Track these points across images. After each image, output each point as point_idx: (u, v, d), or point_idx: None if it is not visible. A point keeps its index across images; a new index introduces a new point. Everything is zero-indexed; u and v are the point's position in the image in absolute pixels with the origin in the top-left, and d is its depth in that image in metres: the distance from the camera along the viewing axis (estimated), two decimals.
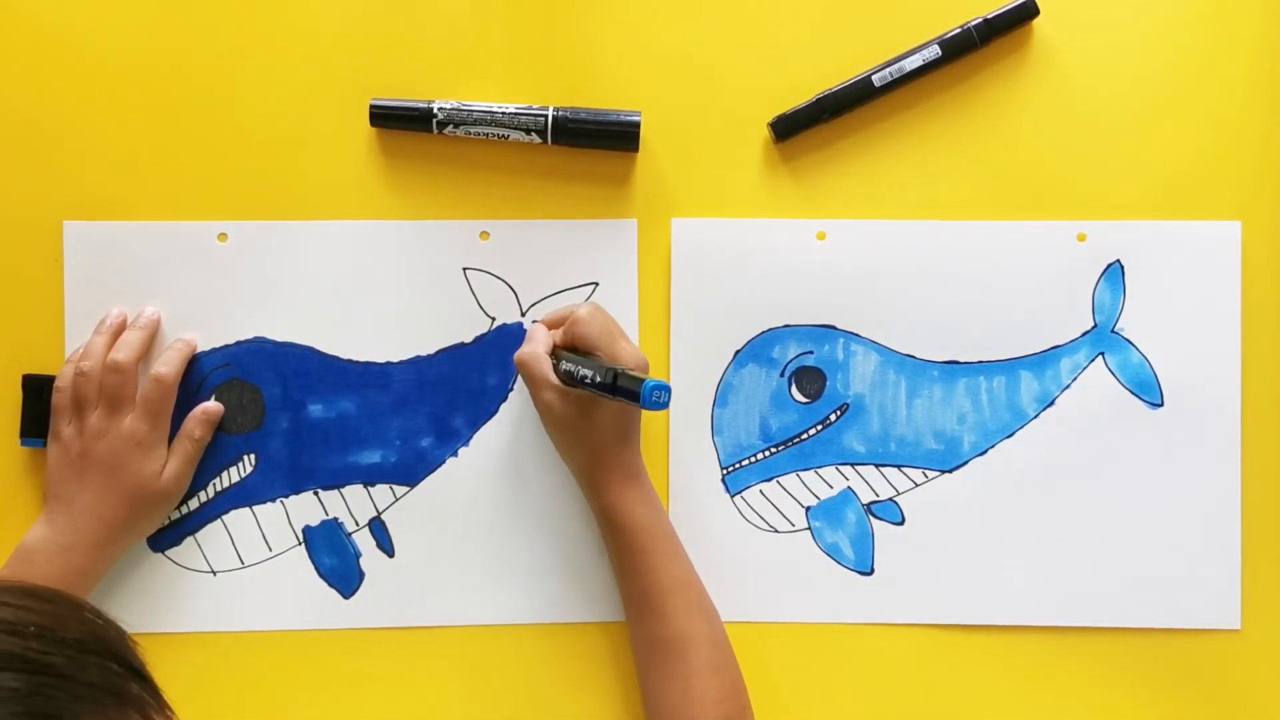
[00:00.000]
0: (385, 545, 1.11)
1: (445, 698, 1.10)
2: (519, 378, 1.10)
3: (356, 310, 1.11)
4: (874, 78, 1.10)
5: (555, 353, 1.04)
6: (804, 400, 1.11)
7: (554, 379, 1.02)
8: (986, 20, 1.10)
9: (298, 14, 1.11)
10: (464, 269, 1.11)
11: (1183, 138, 1.11)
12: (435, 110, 1.09)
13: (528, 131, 1.09)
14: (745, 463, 1.11)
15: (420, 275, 1.11)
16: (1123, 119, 1.11)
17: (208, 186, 1.11)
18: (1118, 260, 1.11)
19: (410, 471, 1.11)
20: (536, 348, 1.04)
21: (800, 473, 1.11)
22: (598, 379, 0.98)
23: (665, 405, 0.94)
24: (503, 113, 1.09)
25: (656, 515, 1.05)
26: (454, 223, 1.11)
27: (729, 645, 1.05)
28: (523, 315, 1.11)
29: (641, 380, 0.95)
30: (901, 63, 1.10)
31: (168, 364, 1.08)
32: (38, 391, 1.09)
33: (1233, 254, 1.11)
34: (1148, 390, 1.11)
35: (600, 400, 1.00)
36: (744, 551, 1.11)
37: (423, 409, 1.11)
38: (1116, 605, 1.10)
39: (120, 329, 1.09)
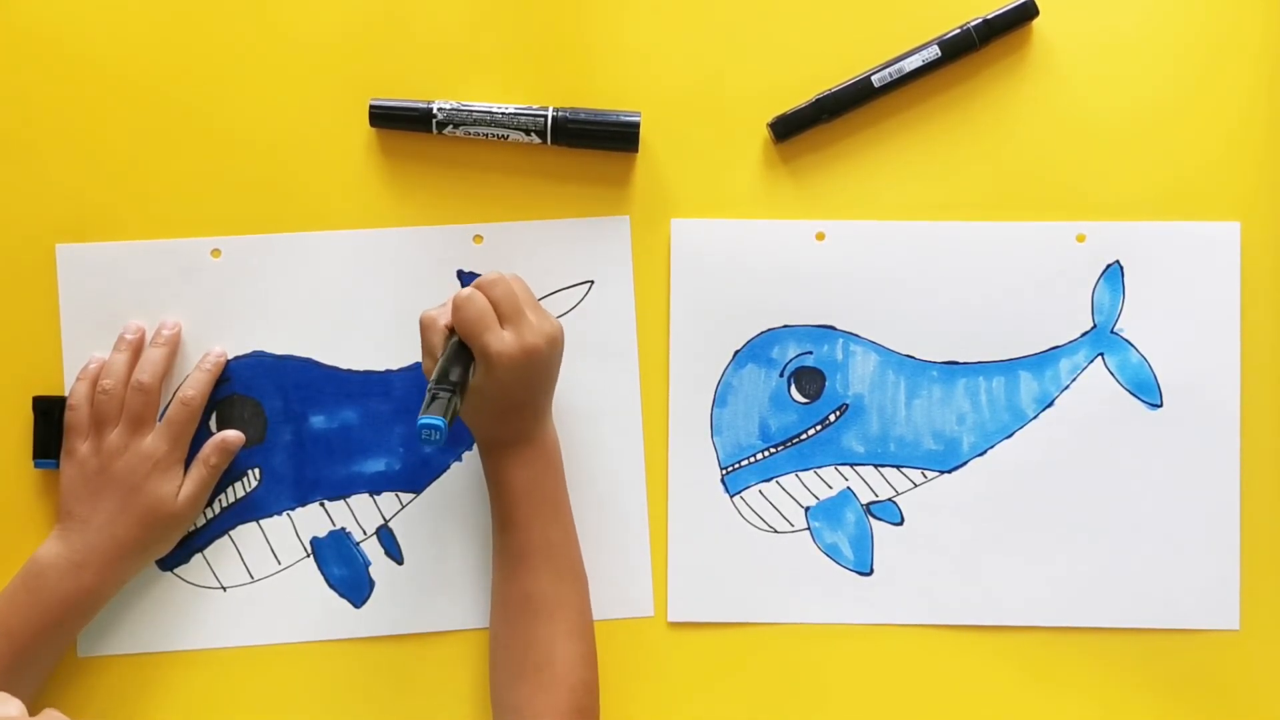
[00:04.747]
0: (394, 553, 1.11)
1: (461, 702, 1.10)
2: None
3: (354, 319, 1.11)
4: (873, 78, 1.10)
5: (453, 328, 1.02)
6: (803, 400, 1.11)
7: (435, 353, 1.00)
8: (986, 21, 1.10)
9: (296, 15, 1.11)
10: (459, 273, 1.11)
11: (1182, 138, 1.11)
12: (435, 110, 1.09)
13: (527, 132, 1.09)
14: (745, 463, 1.11)
15: (416, 281, 1.11)
16: (1122, 120, 1.11)
17: (203, 197, 1.11)
18: (1117, 261, 1.11)
19: (415, 478, 1.11)
20: (439, 318, 1.02)
21: (799, 473, 1.11)
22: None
23: (435, 444, 0.92)
24: (502, 113, 1.09)
25: (537, 479, 1.04)
26: (447, 228, 1.11)
27: (591, 616, 1.05)
28: None
29: (420, 415, 0.93)
30: (901, 63, 1.10)
31: (194, 386, 1.09)
32: (47, 413, 1.09)
33: (1232, 255, 1.11)
34: (1147, 391, 1.11)
35: (473, 380, 1.00)
36: (743, 552, 1.11)
37: None
38: (1115, 605, 1.10)
39: (139, 344, 1.10)
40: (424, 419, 0.92)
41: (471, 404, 1.01)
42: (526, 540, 1.03)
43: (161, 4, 1.11)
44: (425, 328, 1.02)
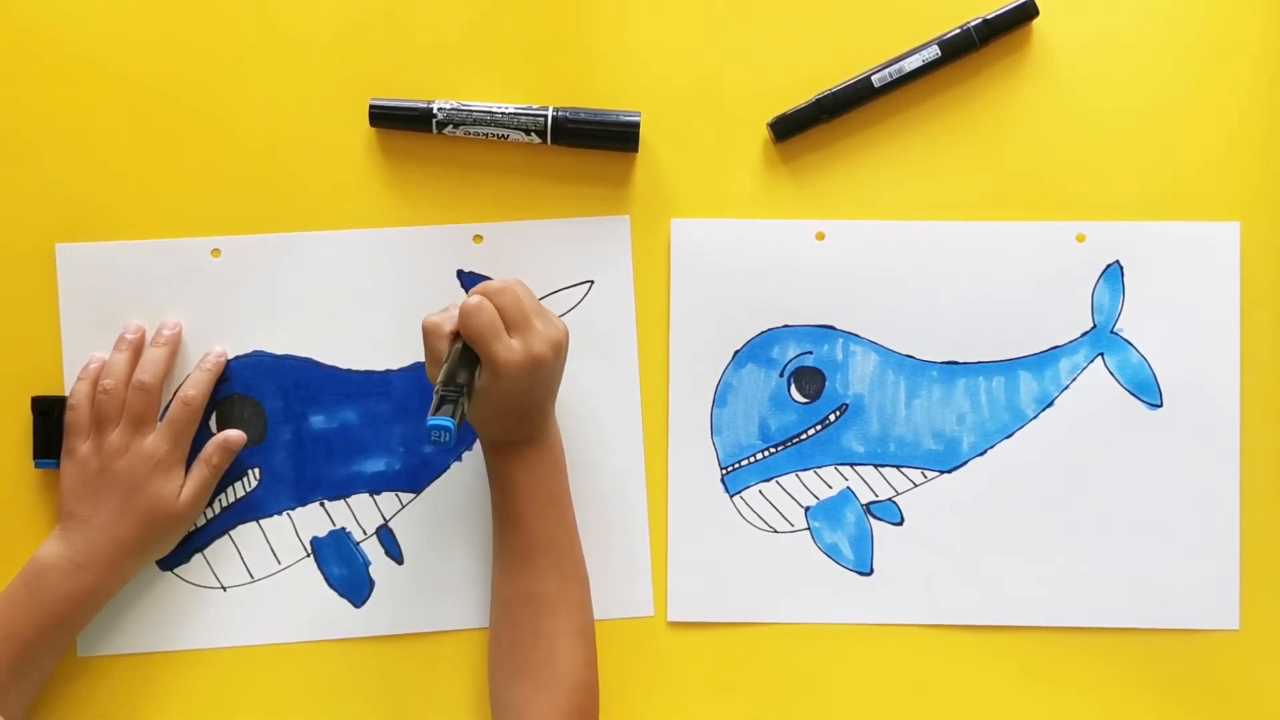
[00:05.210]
0: (394, 553, 1.11)
1: (460, 702, 1.10)
2: None
3: (354, 319, 1.11)
4: (873, 78, 1.10)
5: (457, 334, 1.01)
6: (803, 400, 1.11)
7: (440, 359, 0.99)
8: (986, 21, 1.10)
9: (296, 15, 1.11)
10: (459, 273, 1.11)
11: (1182, 138, 1.12)
12: (435, 110, 1.09)
13: (527, 132, 1.09)
14: (744, 463, 1.11)
15: (416, 282, 1.11)
16: (1122, 120, 1.12)
17: (203, 197, 1.11)
18: (1117, 261, 1.11)
19: (415, 478, 1.11)
20: (444, 324, 1.00)
21: (799, 473, 1.11)
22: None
23: (444, 445, 0.91)
24: (502, 113, 1.09)
25: (541, 479, 1.05)
26: (447, 227, 1.11)
27: (592, 616, 1.06)
28: None
29: (429, 416, 0.93)
30: (901, 63, 1.10)
31: (195, 386, 1.09)
32: (47, 413, 1.09)
33: (1232, 255, 1.11)
34: (1147, 391, 1.11)
35: (479, 384, 0.99)
36: (743, 552, 1.11)
37: (424, 415, 1.09)
38: (1115, 605, 1.10)
39: (140, 344, 1.10)
40: (433, 420, 0.91)
41: (477, 407, 1.01)
42: (530, 540, 1.04)
43: (162, 4, 1.11)
44: (429, 334, 1.01)
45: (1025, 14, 1.10)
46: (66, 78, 1.11)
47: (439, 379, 0.96)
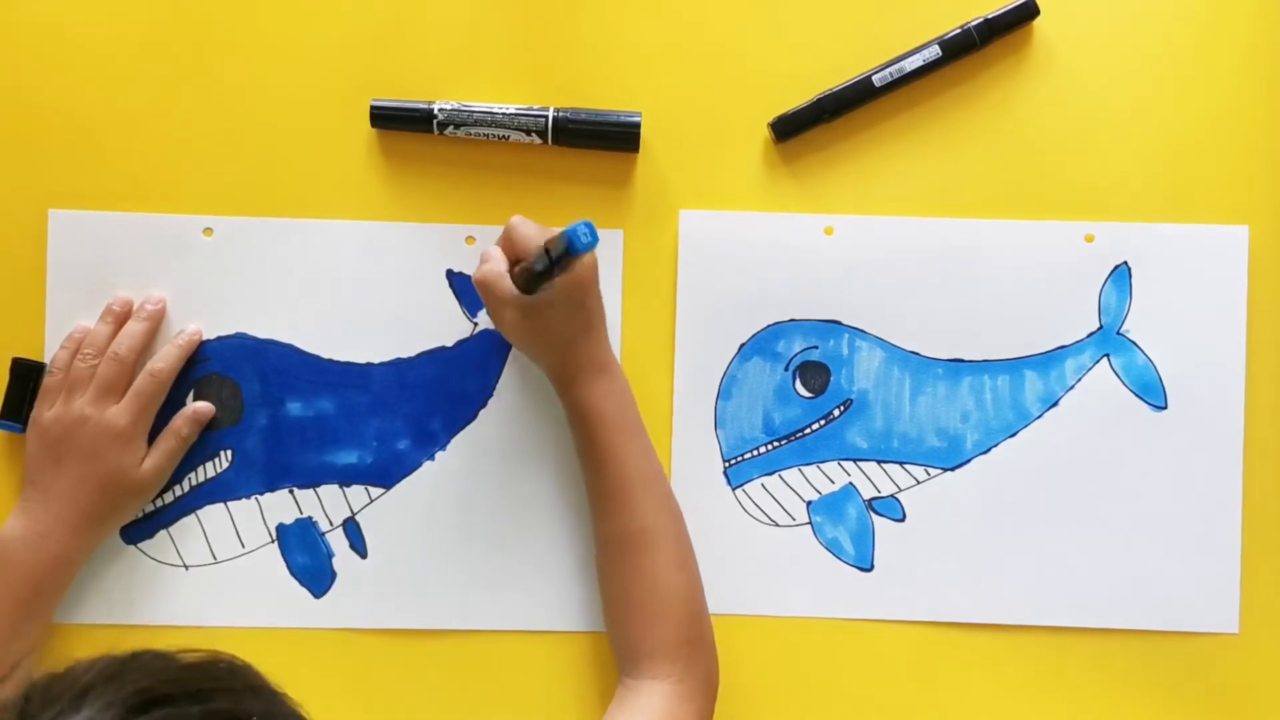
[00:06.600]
0: (358, 546, 1.11)
1: (414, 701, 1.11)
2: (499, 384, 1.11)
3: (339, 309, 1.11)
4: (874, 78, 1.10)
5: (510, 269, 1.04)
6: (808, 395, 1.12)
7: (514, 293, 1.02)
8: (987, 20, 1.09)
9: (299, 15, 1.11)
10: (448, 272, 1.12)
11: (1190, 140, 1.10)
12: (436, 111, 1.09)
13: (528, 132, 1.09)
14: (748, 456, 1.12)
15: (404, 277, 1.11)
16: (1125, 120, 1.11)
17: (200, 183, 1.11)
18: (1125, 262, 1.11)
19: (386, 473, 1.11)
20: (496, 266, 1.03)
21: (802, 467, 1.12)
22: (539, 266, 0.97)
23: (594, 242, 0.91)
24: (503, 113, 1.09)
25: (624, 408, 1.06)
26: (440, 226, 1.11)
27: (690, 543, 1.06)
28: None
29: (563, 233, 0.93)
30: (902, 63, 1.10)
31: (164, 359, 1.08)
32: (24, 377, 1.09)
33: (1240, 258, 1.10)
34: (1152, 393, 1.10)
35: (556, 304, 1.01)
36: (745, 545, 1.11)
37: (401, 411, 1.11)
38: (1115, 607, 1.10)
39: (125, 318, 1.09)
40: (572, 226, 0.91)
41: (557, 333, 1.02)
42: (624, 474, 1.04)
43: (166, 5, 1.12)
44: (488, 282, 1.03)
45: (1026, 13, 1.09)
46: (83, 54, 1.11)
47: (539, 252, 0.97)
